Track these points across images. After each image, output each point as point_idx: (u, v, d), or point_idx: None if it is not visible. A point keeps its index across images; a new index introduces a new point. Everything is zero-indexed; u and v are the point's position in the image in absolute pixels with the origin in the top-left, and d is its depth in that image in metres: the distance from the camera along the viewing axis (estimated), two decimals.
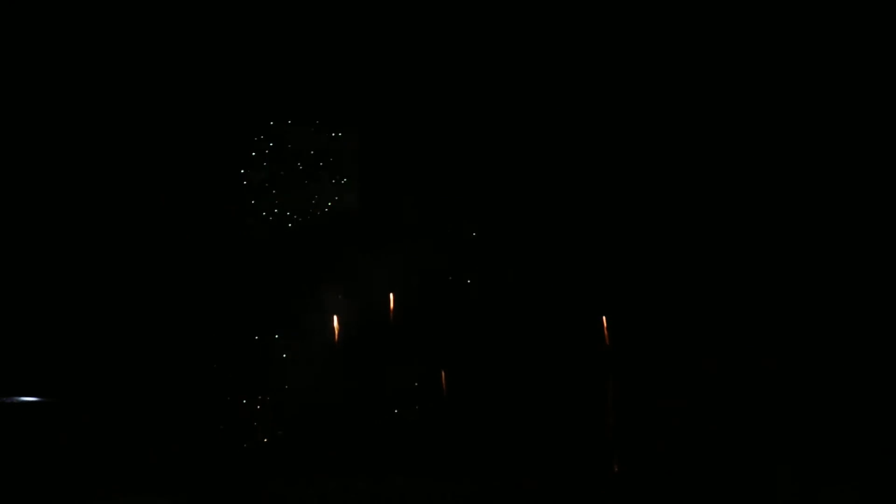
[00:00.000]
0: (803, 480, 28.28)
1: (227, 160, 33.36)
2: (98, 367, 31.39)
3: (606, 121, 33.19)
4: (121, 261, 32.60)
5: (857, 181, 31.65)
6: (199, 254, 32.94)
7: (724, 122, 32.38)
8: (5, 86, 32.23)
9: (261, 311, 32.91)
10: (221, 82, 33.07)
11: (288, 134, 34.01)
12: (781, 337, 30.84)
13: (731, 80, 32.08)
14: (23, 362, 30.90)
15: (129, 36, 32.63)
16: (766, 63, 31.92)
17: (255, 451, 31.55)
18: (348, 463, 30.58)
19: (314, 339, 32.75)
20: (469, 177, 33.47)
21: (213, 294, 32.83)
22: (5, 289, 31.35)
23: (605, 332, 31.79)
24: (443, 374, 32.65)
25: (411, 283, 33.39)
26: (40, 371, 30.96)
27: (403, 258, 33.26)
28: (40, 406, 30.78)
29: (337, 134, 34.15)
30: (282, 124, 33.85)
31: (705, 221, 32.62)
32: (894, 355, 29.91)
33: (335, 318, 32.96)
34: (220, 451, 31.04)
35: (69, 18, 32.39)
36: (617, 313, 32.01)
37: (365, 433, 31.53)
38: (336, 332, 32.74)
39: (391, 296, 33.11)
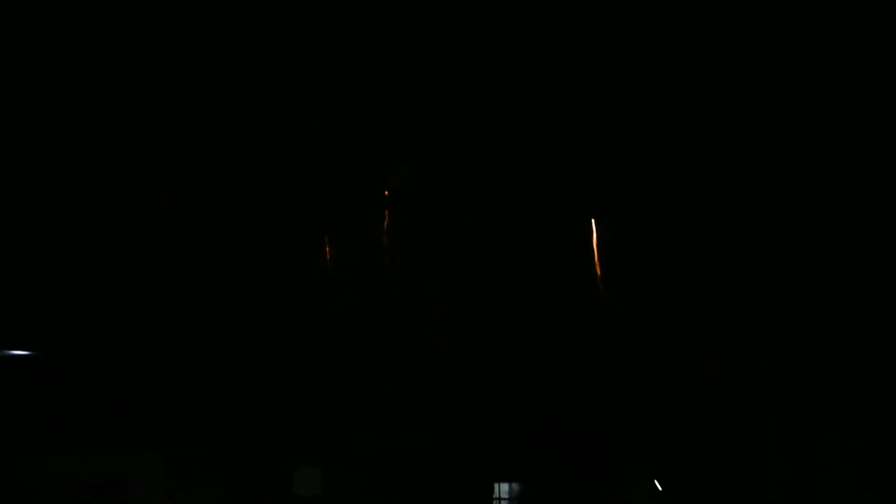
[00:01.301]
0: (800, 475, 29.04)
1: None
2: (91, 321, 31.29)
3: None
4: (108, 217, 32.49)
5: (855, 185, 31.86)
6: (188, 213, 32.88)
7: (721, 123, 32.52)
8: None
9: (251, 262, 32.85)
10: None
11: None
12: (780, 336, 31.15)
13: (737, 80, 32.22)
14: (14, 316, 30.74)
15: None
16: (771, 63, 32.11)
17: (249, 402, 31.51)
18: (349, 421, 30.79)
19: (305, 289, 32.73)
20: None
21: (204, 249, 32.79)
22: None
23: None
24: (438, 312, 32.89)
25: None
26: (32, 324, 30.82)
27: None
28: (27, 360, 30.69)
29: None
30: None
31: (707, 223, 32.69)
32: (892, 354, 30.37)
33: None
34: (214, 404, 31.06)
35: (68, 18, 32.13)
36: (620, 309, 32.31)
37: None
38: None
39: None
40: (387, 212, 33.29)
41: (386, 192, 33.48)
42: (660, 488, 29.65)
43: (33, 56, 31.76)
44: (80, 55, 31.85)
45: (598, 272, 32.57)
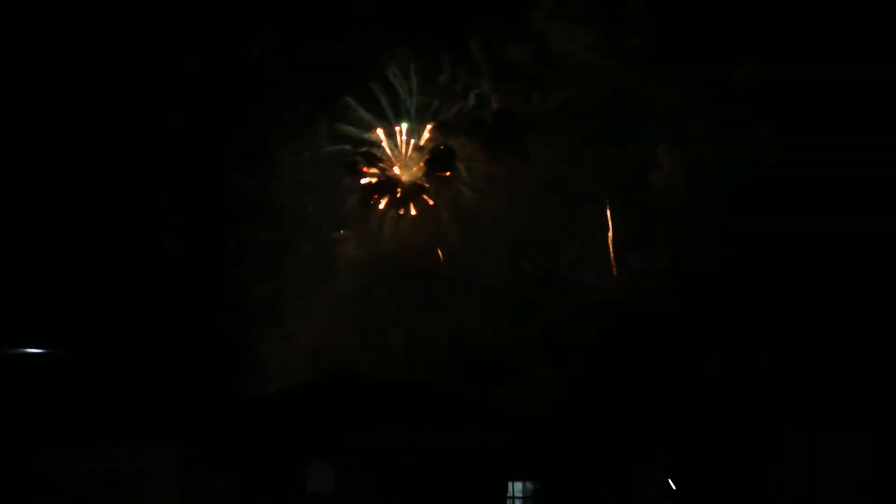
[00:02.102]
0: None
1: None
2: (101, 321, 31.50)
3: None
4: (119, 217, 32.65)
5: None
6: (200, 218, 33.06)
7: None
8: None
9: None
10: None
11: None
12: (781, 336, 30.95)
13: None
14: (27, 315, 30.98)
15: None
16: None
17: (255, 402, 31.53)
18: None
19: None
20: None
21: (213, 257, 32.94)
22: (13, 243, 31.40)
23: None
24: None
25: None
26: (43, 324, 31.05)
27: None
28: (43, 357, 30.85)
29: None
30: None
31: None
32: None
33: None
34: (219, 403, 31.11)
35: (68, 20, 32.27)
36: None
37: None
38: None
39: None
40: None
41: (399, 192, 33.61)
42: (673, 487, 29.53)
43: (33, 57, 32.08)
44: (81, 57, 32.15)
45: (613, 263, 32.59)
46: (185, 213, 32.95)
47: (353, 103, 38.00)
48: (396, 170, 38.69)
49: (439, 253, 36.21)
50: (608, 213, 36.19)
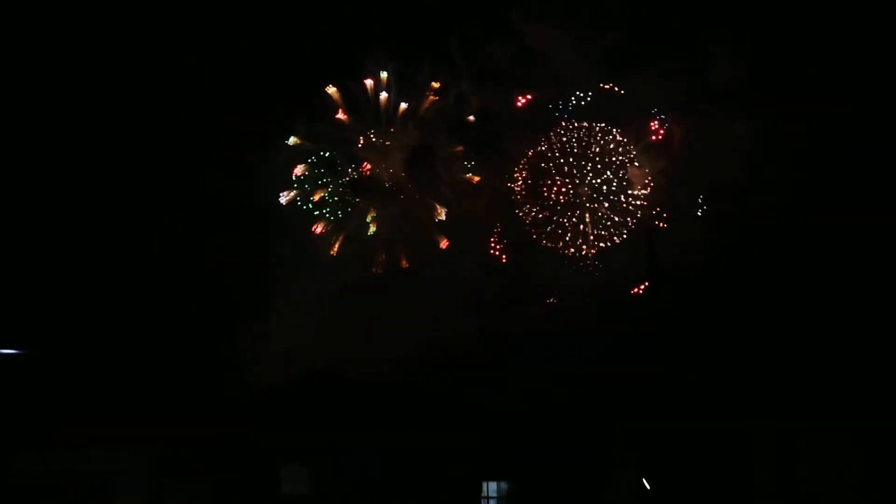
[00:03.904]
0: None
1: None
2: (80, 321, 31.45)
3: None
4: (95, 217, 32.60)
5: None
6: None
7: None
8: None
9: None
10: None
11: None
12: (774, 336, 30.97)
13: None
14: (3, 315, 30.93)
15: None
16: None
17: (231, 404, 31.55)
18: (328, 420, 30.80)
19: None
20: None
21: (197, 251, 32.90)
22: None
23: None
24: None
25: None
26: (17, 324, 30.99)
27: None
28: (17, 358, 30.80)
29: None
30: None
31: None
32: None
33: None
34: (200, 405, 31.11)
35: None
36: None
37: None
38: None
39: None
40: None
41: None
42: (647, 487, 29.58)
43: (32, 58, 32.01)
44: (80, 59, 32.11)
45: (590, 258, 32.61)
46: (163, 213, 32.97)
47: (331, 102, 37.89)
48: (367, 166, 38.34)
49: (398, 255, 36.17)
50: (587, 215, 36.11)
